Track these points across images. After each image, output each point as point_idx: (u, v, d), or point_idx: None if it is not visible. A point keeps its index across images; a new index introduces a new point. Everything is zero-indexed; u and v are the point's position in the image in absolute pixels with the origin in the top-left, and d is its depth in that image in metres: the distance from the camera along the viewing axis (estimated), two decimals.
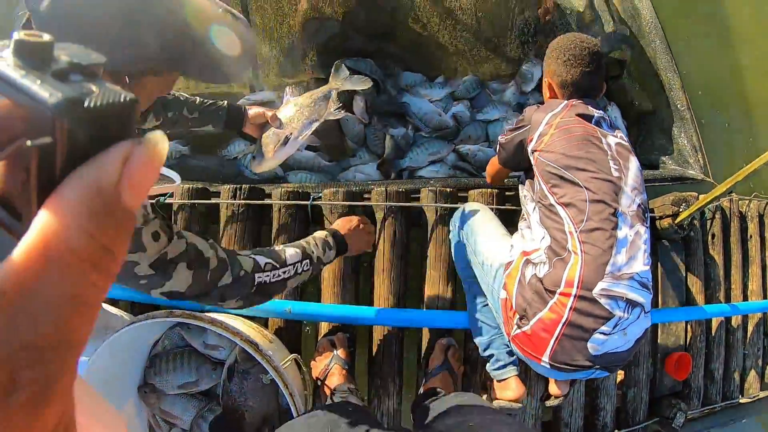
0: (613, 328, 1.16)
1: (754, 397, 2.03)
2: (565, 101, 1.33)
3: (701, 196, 1.83)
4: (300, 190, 1.70)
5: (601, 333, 1.16)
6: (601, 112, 1.33)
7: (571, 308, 1.15)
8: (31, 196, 0.20)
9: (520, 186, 1.46)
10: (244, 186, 1.67)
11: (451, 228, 1.57)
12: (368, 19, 2.10)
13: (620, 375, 1.82)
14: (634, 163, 1.29)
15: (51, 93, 0.19)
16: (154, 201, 1.71)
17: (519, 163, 1.43)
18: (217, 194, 1.70)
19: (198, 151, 2.01)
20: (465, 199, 1.73)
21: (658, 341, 1.85)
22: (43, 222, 0.19)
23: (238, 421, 1.51)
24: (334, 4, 2.05)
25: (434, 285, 1.64)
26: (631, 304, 1.17)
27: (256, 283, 0.90)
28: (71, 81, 0.20)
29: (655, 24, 2.12)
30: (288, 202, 1.64)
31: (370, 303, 1.63)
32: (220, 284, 0.85)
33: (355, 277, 1.64)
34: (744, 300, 2.02)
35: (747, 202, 2.11)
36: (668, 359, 1.84)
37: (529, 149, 1.32)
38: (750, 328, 2.08)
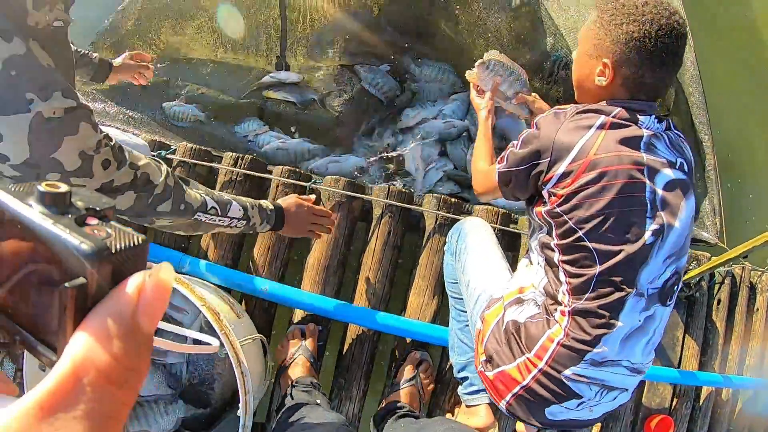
0: (577, 406, 1.06)
1: None
2: (603, 117, 0.96)
3: (713, 258, 1.75)
4: (302, 171, 1.64)
5: (561, 407, 1.05)
6: (655, 123, 0.98)
7: (533, 377, 1.04)
8: (67, 328, 0.23)
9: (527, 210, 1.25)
10: (246, 156, 1.62)
11: (448, 239, 1.49)
12: (405, 15, 2.06)
13: (596, 427, 1.73)
14: (684, 212, 0.97)
15: (81, 242, 0.22)
16: (156, 154, 1.66)
17: (525, 194, 1.11)
18: (219, 159, 1.65)
19: (214, 119, 1.98)
20: (469, 213, 1.66)
21: (643, 400, 1.76)
22: (73, 348, 0.22)
23: (206, 392, 1.44)
24: None
25: (420, 294, 1.56)
26: (608, 389, 1.04)
27: (194, 217, 0.95)
28: (90, 225, 0.24)
29: (696, 78, 2.04)
30: (288, 180, 1.59)
31: (351, 300, 1.56)
32: (158, 209, 0.87)
33: (340, 270, 1.57)
34: (739, 374, 1.92)
35: (759, 273, 2.02)
36: (649, 420, 1.74)
37: (545, 189, 1.01)
38: (739, 405, 1.97)
